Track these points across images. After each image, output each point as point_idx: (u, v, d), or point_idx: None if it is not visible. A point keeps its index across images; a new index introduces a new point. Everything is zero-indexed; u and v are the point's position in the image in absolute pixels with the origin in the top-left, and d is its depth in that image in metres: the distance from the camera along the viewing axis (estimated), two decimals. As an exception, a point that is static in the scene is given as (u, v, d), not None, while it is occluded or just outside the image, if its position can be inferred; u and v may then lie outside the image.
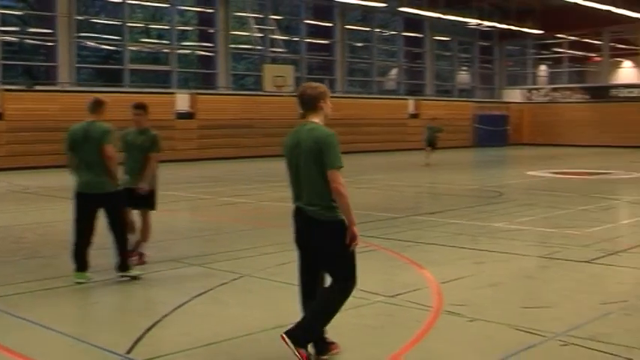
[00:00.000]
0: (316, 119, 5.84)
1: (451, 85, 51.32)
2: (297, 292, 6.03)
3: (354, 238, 5.71)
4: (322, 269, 5.92)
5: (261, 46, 39.31)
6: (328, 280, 5.95)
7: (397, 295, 7.96)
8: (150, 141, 9.84)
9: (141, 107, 9.98)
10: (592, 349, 6.19)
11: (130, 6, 35.70)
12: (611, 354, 6.05)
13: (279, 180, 22.16)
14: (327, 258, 5.83)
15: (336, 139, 5.70)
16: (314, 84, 6.00)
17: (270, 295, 8.28)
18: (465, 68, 53.02)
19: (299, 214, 5.85)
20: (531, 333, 6.63)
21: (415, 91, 47.07)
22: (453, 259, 10.33)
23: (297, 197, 5.86)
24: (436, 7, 41.07)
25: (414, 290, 8.29)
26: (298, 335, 5.66)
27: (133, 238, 9.67)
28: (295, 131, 5.87)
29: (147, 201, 9.92)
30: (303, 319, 5.79)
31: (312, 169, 5.70)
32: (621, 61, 50.45)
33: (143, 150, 9.81)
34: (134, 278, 8.93)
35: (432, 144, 29.63)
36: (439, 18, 42.13)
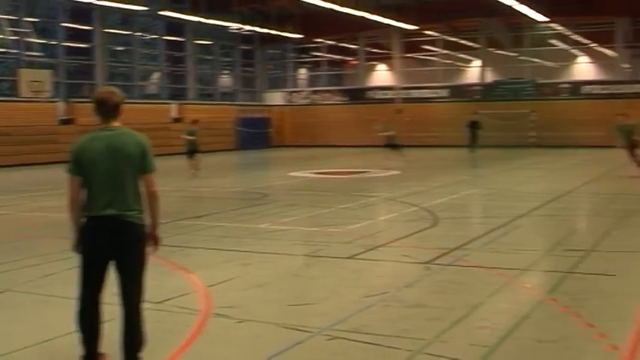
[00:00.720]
0: (118, 124, 5.74)
1: (213, 88, 51.52)
2: (76, 305, 5.75)
3: (158, 241, 5.93)
4: (126, 277, 5.65)
5: (16, 49, 37.62)
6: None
7: (165, 300, 7.92)
8: None
9: None
10: (356, 340, 6.48)
11: None
12: (374, 344, 6.37)
13: (39, 189, 21.47)
14: (135, 262, 5.67)
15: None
16: (113, 89, 5.87)
17: (34, 310, 7.96)
18: (226, 72, 53.39)
19: (111, 222, 5.56)
20: (298, 330, 6.84)
21: (178, 95, 46.85)
22: (220, 261, 10.43)
23: (107, 204, 5.55)
24: (197, 12, 41.00)
25: (182, 295, 8.31)
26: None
27: None
28: (100, 136, 5.65)
29: None
30: (130, 350, 5.64)
31: (130, 174, 5.62)
32: (376, 65, 52.84)
33: None
34: None
35: (194, 148, 29.21)
36: (200, 22, 42.12)
